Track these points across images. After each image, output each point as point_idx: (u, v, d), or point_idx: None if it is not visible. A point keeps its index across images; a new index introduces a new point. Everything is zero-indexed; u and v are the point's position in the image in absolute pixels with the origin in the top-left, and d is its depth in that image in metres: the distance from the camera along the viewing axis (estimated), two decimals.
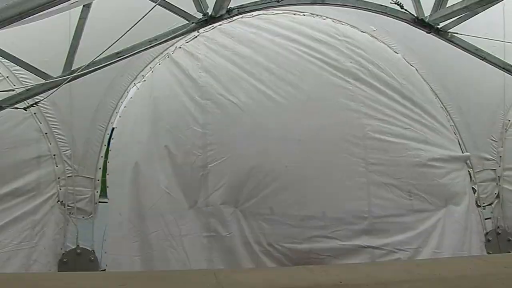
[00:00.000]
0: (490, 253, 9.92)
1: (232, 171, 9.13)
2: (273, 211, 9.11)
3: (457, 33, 7.40)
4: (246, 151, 9.13)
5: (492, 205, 10.23)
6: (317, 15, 9.79)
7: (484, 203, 10.20)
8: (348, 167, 9.33)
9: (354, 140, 9.40)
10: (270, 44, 9.56)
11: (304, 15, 9.78)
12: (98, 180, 9.19)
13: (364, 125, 9.45)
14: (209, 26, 8.74)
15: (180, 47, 9.43)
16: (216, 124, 9.23)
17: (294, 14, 9.74)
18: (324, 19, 9.82)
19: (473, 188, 10.18)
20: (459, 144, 10.14)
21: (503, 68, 7.70)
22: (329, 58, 9.59)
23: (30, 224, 8.54)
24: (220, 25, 9.18)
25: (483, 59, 7.71)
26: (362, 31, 9.93)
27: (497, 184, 10.28)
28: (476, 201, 10.15)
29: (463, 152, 10.13)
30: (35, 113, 8.63)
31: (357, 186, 9.31)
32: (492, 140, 10.17)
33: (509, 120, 10.13)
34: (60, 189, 8.90)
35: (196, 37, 9.45)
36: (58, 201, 8.87)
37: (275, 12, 9.56)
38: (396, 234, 9.42)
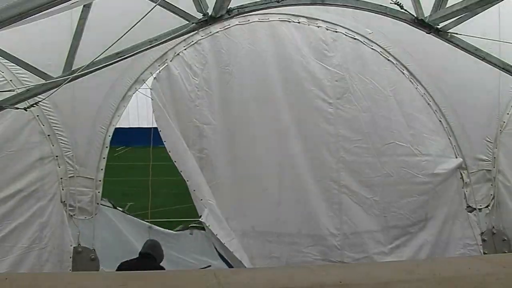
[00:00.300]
0: (486, 253, 9.80)
1: (221, 193, 9.33)
2: (255, 229, 9.39)
3: (456, 34, 7.12)
4: (233, 176, 9.40)
5: (489, 207, 10.07)
6: (312, 18, 9.55)
7: (480, 206, 10.06)
8: (322, 189, 9.56)
9: (329, 164, 9.58)
10: (261, 63, 9.47)
11: (299, 22, 9.54)
12: (100, 180, 9.05)
13: (339, 149, 9.57)
14: (207, 33, 9.11)
15: (178, 54, 9.25)
16: (210, 149, 9.39)
17: (289, 22, 9.51)
18: (318, 27, 9.59)
19: (465, 192, 10.05)
20: (453, 147, 10.00)
21: (503, 68, 7.46)
22: (315, 78, 9.53)
23: (38, 227, 8.54)
24: (217, 32, 9.24)
25: (483, 59, 7.49)
26: (355, 37, 9.68)
27: (491, 185, 10.12)
28: (466, 202, 10.04)
29: (456, 155, 10.00)
30: (37, 116, 8.53)
31: (330, 206, 9.54)
32: (487, 141, 10.01)
33: (504, 122, 9.98)
34: (63, 190, 8.78)
35: (193, 44, 9.28)
36: (62, 201, 8.76)
37: (271, 18, 9.40)
38: (369, 249, 9.62)
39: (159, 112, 9.14)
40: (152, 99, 9.21)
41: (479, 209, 9.99)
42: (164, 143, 9.15)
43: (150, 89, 9.26)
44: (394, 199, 9.66)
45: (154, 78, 9.23)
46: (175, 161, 9.11)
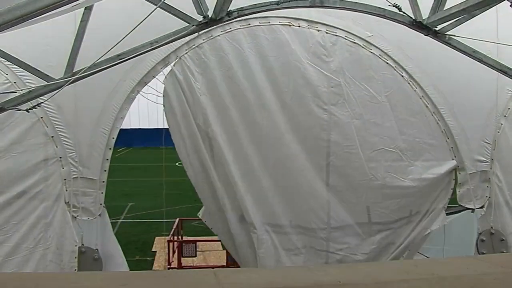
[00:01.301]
0: (484, 253, 9.76)
1: (224, 191, 9.62)
2: (253, 221, 9.60)
3: (454, 36, 7.05)
4: (233, 176, 9.52)
5: (484, 207, 10.02)
6: (313, 21, 9.49)
7: (476, 206, 10.01)
8: (312, 189, 9.77)
9: (320, 167, 9.76)
10: (261, 67, 9.47)
11: (299, 25, 9.48)
12: (103, 182, 9.02)
13: (330, 153, 9.72)
14: (208, 36, 9.12)
15: (180, 58, 9.24)
16: (211, 152, 9.54)
17: (290, 25, 9.45)
18: (318, 30, 9.54)
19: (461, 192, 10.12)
20: (451, 148, 9.95)
21: (500, 70, 7.37)
22: (312, 84, 9.54)
23: (43, 227, 8.55)
24: (218, 35, 9.24)
25: (480, 61, 7.40)
26: (355, 40, 9.62)
27: (487, 186, 10.05)
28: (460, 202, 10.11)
29: (454, 156, 9.96)
30: (41, 117, 8.51)
31: (319, 203, 9.79)
32: (485, 142, 9.93)
33: (502, 124, 9.91)
34: (66, 191, 8.74)
35: (195, 47, 9.25)
36: (66, 202, 8.74)
37: (271, 22, 9.37)
38: (351, 241, 9.89)
39: (170, 120, 9.45)
40: (164, 106, 9.38)
41: (473, 209, 10.01)
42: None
43: (163, 96, 9.40)
44: (378, 200, 9.86)
45: (164, 86, 9.34)
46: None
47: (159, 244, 15.13)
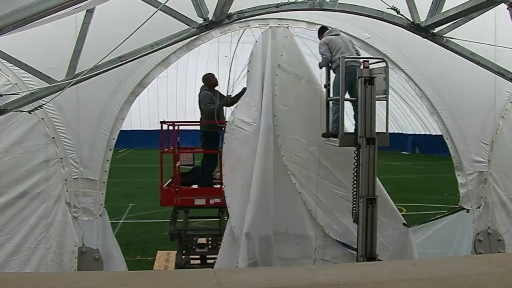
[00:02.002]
0: (481, 253, 9.74)
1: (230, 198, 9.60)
2: (253, 229, 9.52)
3: (452, 38, 7.08)
4: (236, 183, 9.55)
5: (480, 208, 10.05)
6: (311, 23, 9.52)
7: (472, 206, 10.06)
8: (305, 199, 9.77)
9: (311, 177, 9.75)
10: (260, 69, 9.45)
11: (298, 26, 9.54)
12: (104, 182, 9.03)
13: (321, 163, 9.74)
14: (208, 37, 9.03)
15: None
16: None
17: (288, 27, 9.47)
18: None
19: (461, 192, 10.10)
20: (450, 148, 10.00)
21: (497, 72, 7.39)
22: (309, 87, 9.53)
23: (44, 227, 8.57)
24: (218, 37, 9.21)
25: (478, 63, 7.42)
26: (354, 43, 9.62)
27: (483, 187, 10.08)
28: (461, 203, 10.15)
29: (453, 156, 9.99)
30: (42, 118, 8.52)
31: (315, 211, 9.80)
32: (483, 143, 9.95)
33: (499, 125, 9.96)
34: (67, 191, 8.74)
35: (194, 49, 9.35)
36: (66, 202, 8.74)
37: (271, 24, 9.38)
38: (345, 250, 9.84)
39: None
40: None
41: (468, 210, 10.07)
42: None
43: None
44: None
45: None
46: None
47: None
